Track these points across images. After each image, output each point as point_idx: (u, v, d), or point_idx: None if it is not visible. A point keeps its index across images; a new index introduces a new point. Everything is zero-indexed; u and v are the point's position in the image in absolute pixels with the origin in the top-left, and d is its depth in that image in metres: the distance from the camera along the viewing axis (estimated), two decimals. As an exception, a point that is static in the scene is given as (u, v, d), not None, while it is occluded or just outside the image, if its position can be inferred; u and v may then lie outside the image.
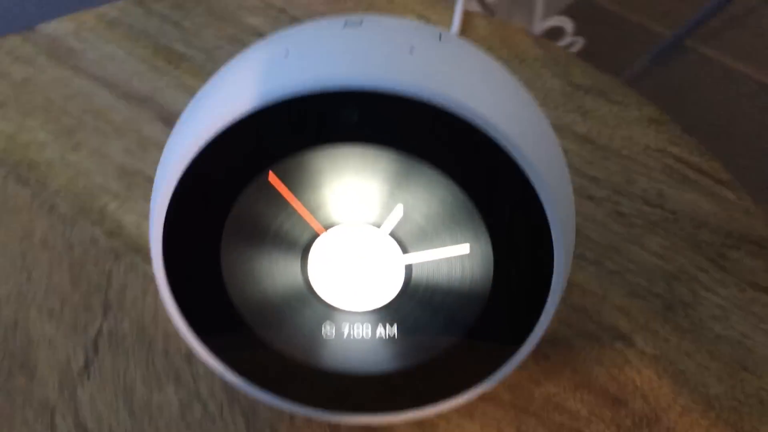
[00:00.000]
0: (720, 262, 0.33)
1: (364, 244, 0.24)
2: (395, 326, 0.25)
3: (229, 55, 0.43)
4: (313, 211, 0.23)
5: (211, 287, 0.25)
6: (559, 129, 0.38)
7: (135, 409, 0.30)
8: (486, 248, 0.24)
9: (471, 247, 0.24)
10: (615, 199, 0.35)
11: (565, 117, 0.38)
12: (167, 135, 0.39)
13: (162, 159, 0.25)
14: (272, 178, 0.23)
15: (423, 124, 0.22)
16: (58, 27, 0.45)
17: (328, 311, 0.25)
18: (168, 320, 0.32)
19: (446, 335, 0.25)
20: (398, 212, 0.23)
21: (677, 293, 0.32)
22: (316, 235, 0.24)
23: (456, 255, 0.24)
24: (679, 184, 0.35)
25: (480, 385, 0.27)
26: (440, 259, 0.24)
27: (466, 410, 0.29)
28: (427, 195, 0.23)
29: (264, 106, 0.22)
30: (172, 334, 0.32)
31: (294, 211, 0.23)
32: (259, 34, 0.44)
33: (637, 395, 0.29)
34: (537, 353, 0.30)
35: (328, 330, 0.26)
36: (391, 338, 0.26)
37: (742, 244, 0.33)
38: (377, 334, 0.25)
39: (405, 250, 0.24)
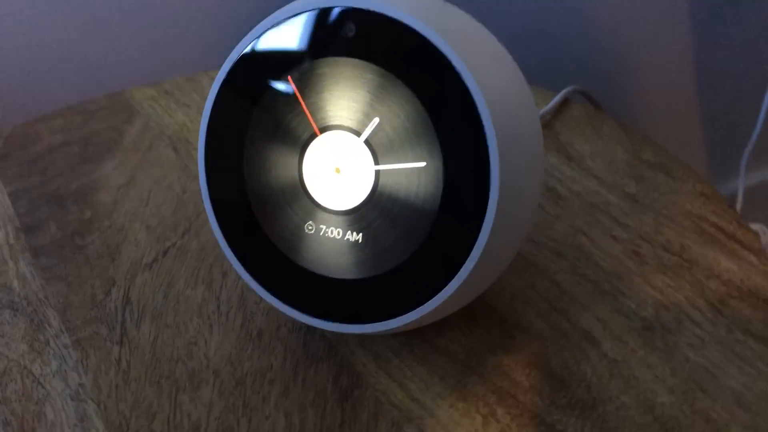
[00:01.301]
0: (718, 306, 0.33)
1: (345, 150, 0.30)
2: (360, 234, 0.30)
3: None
4: (313, 114, 0.30)
5: (234, 175, 0.32)
6: (611, 187, 0.41)
7: (169, 296, 0.36)
8: (438, 166, 0.28)
9: (427, 162, 0.28)
10: (637, 242, 0.37)
11: (620, 180, 0.41)
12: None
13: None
14: (290, 80, 0.30)
15: (402, 46, 0.28)
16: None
17: (312, 208, 0.31)
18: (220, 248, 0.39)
19: (403, 247, 0.29)
20: (374, 123, 0.29)
21: (662, 320, 0.33)
22: (313, 136, 0.30)
23: (414, 168, 0.29)
24: (705, 243, 0.36)
25: (428, 304, 0.30)
26: (401, 171, 0.29)
27: (420, 355, 0.32)
28: (398, 110, 0.28)
29: (287, 17, 0.29)
30: (221, 257, 0.38)
31: (300, 112, 0.30)
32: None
33: (582, 384, 0.30)
34: (504, 333, 0.32)
35: (309, 226, 0.31)
36: (356, 243, 0.30)
37: (746, 297, 0.33)
38: (346, 237, 0.30)
39: (376, 160, 0.29)
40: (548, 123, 0.47)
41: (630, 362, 0.31)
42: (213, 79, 0.34)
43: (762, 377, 0.30)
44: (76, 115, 0.51)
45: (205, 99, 0.39)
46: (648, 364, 0.31)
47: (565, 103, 0.49)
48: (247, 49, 0.30)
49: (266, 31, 0.30)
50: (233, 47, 0.32)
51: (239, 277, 0.37)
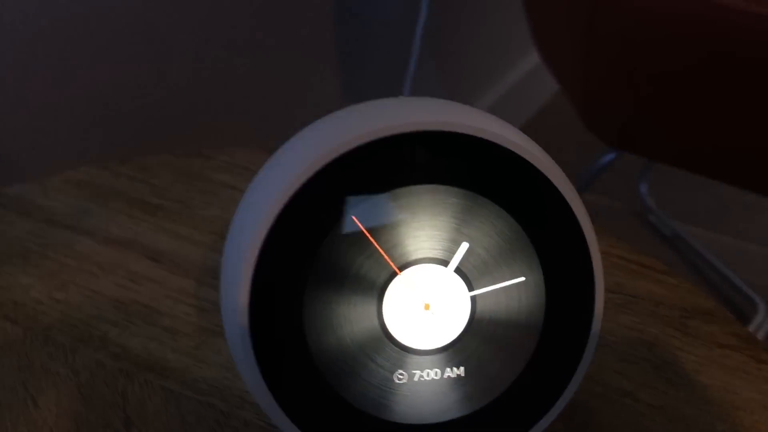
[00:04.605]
0: (684, 329, 0.38)
1: (432, 283, 0.27)
2: (462, 367, 0.27)
3: (205, 204, 0.45)
4: (389, 252, 0.26)
5: (293, 339, 0.26)
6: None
7: None
8: (539, 279, 0.27)
9: (526, 278, 0.27)
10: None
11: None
12: (158, 271, 0.40)
13: (237, 224, 0.27)
14: (355, 221, 0.26)
15: (485, 163, 0.26)
16: (24, 188, 0.46)
17: (401, 355, 0.27)
18: (201, 423, 0.32)
19: (509, 369, 0.28)
20: (464, 248, 0.27)
21: (659, 356, 0.36)
22: (392, 276, 0.26)
23: (513, 284, 0.27)
24: (631, 276, 0.41)
25: (541, 421, 0.28)
26: (500, 291, 0.27)
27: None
28: (489, 229, 0.27)
29: (346, 152, 0.25)
30: (201, 439, 0.31)
31: (372, 253, 0.26)
32: (231, 187, 0.47)
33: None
34: (561, 416, 0.33)
35: (400, 376, 0.27)
36: (459, 378, 0.27)
37: (696, 315, 0.39)
38: (446, 375, 0.27)
39: (470, 286, 0.27)
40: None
41: (672, 404, 0.34)
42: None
43: (762, 379, 0.35)
44: None
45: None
46: (685, 399, 0.34)
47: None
48: (298, 191, 0.25)
49: (320, 167, 0.25)
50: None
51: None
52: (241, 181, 0.48)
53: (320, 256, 0.26)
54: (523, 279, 0.27)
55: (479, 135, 0.26)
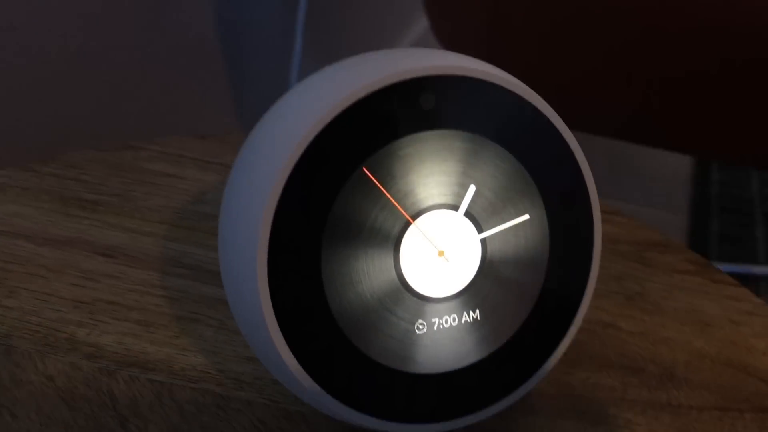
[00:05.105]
0: (643, 261, 0.40)
1: (444, 229, 0.27)
2: (477, 310, 0.28)
3: (147, 195, 0.43)
4: (401, 202, 0.26)
5: (313, 298, 0.25)
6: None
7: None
8: (542, 216, 0.28)
9: (530, 215, 0.28)
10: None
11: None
12: (114, 266, 0.37)
13: (241, 187, 0.26)
14: (367, 173, 0.25)
15: (487, 106, 0.27)
16: (-62, 199, 0.41)
17: (420, 305, 0.27)
18: (201, 411, 0.30)
19: (520, 309, 0.28)
20: (471, 191, 0.27)
21: (628, 288, 0.38)
22: (406, 226, 0.26)
23: (519, 223, 0.28)
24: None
25: (551, 358, 0.29)
26: (507, 231, 0.27)
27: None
28: (493, 170, 0.27)
29: (353, 103, 0.25)
30: (209, 427, 0.30)
31: (386, 205, 0.26)
32: (170, 176, 0.45)
33: (647, 360, 0.34)
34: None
35: (420, 326, 0.27)
36: (476, 321, 0.28)
37: (650, 247, 0.41)
38: (463, 320, 0.27)
39: (479, 228, 0.27)
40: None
41: (651, 329, 0.35)
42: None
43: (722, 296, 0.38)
44: None
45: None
46: (661, 324, 0.36)
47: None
48: (306, 146, 0.24)
49: (325, 121, 0.25)
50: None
51: None
52: (179, 169, 0.46)
53: (334, 212, 0.25)
54: (527, 217, 0.28)
55: (481, 78, 0.26)
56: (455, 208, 0.27)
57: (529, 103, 0.27)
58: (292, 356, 0.25)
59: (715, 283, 0.39)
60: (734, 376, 0.33)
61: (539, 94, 0.27)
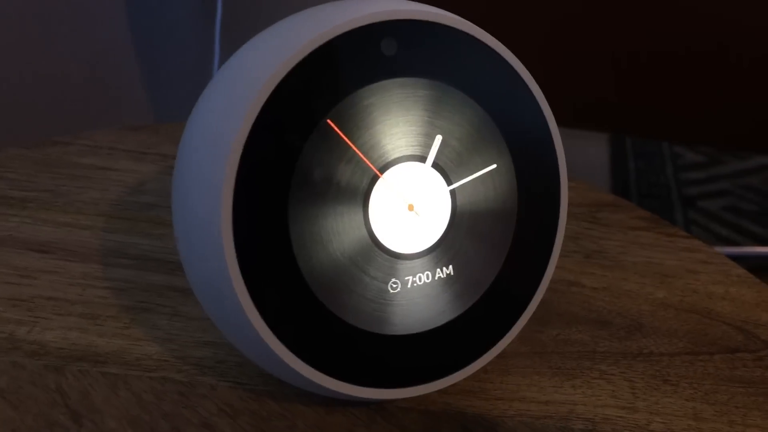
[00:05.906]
0: (597, 221, 0.40)
1: (413, 182, 0.26)
2: (450, 266, 0.27)
3: (80, 189, 0.40)
4: (367, 155, 0.25)
5: (282, 260, 0.24)
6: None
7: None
8: (509, 165, 0.27)
9: (498, 164, 0.27)
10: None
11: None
12: (51, 261, 0.35)
13: (195, 149, 0.24)
14: (331, 125, 0.24)
15: (451, 52, 0.26)
16: None
17: (392, 262, 0.26)
18: (162, 399, 0.28)
19: (492, 263, 0.27)
20: (438, 141, 0.26)
21: (586, 246, 0.38)
22: (374, 180, 0.25)
23: (487, 173, 0.27)
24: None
25: (524, 313, 0.29)
26: (476, 182, 0.27)
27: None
28: (459, 119, 0.26)
29: (314, 50, 0.24)
30: (172, 414, 0.28)
31: (352, 157, 0.25)
32: (103, 169, 0.42)
33: (614, 313, 0.34)
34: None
35: (394, 284, 0.26)
36: (449, 277, 0.27)
37: (602, 207, 0.41)
38: (437, 276, 0.26)
39: (448, 180, 0.26)
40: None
41: (612, 283, 0.35)
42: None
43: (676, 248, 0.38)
44: None
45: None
46: (621, 278, 0.36)
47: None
48: (265, 100, 0.23)
49: (283, 72, 0.23)
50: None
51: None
52: (111, 162, 0.43)
53: (300, 168, 0.24)
54: (495, 166, 0.27)
55: (443, 22, 0.25)
56: (423, 159, 0.26)
57: (492, 50, 0.26)
58: (263, 322, 0.24)
59: (668, 236, 0.39)
60: (699, 321, 0.34)
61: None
